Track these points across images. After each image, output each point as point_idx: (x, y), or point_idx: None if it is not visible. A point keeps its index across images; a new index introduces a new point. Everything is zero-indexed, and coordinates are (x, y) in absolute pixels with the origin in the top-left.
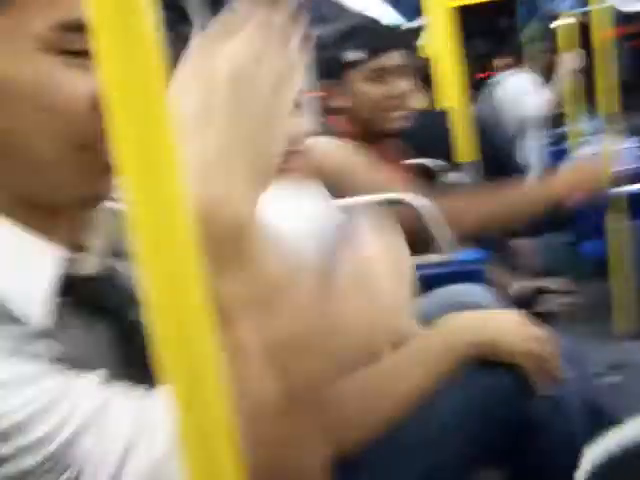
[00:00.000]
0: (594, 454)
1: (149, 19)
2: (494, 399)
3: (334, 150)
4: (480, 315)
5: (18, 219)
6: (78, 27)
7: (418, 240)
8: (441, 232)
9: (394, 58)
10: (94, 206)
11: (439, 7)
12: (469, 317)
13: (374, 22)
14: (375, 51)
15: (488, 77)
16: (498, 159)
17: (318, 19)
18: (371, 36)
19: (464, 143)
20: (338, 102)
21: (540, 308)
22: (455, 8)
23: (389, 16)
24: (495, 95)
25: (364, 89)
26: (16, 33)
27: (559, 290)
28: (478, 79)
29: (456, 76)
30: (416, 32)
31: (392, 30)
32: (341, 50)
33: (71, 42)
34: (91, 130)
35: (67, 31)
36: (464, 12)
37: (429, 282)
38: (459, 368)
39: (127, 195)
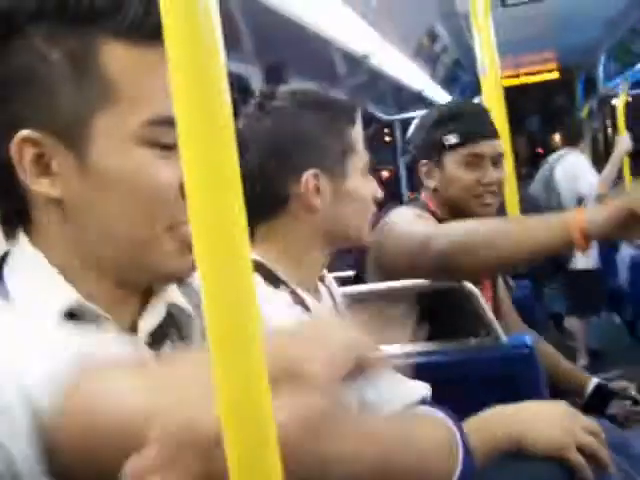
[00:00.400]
0: None
1: (226, 107)
2: None
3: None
4: (514, 408)
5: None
6: (168, 122)
7: (466, 324)
8: (490, 316)
9: (491, 146)
10: (172, 282)
11: (494, 86)
12: (499, 412)
13: (475, 108)
14: (473, 137)
15: (545, 154)
16: None
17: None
18: (470, 122)
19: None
20: (432, 182)
21: (611, 410)
22: (514, 87)
23: (440, 96)
24: (552, 173)
25: (458, 173)
26: (116, 129)
27: (630, 396)
28: (536, 156)
29: (508, 157)
30: None
31: (488, 117)
32: (441, 132)
33: (161, 136)
34: (178, 213)
35: (158, 126)
36: (522, 91)
37: (479, 365)
38: (500, 457)
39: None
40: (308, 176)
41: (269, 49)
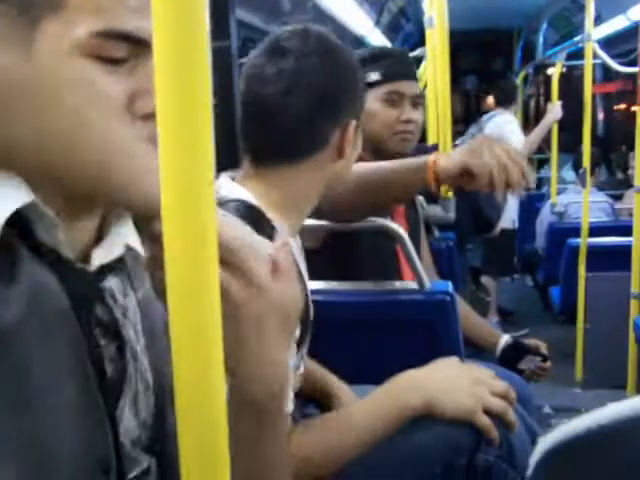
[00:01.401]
0: (547, 442)
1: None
2: (445, 446)
3: None
4: (425, 372)
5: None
6: (119, 36)
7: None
8: (416, 260)
9: (409, 86)
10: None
11: (440, 40)
12: (411, 378)
13: (397, 50)
14: (393, 75)
15: (479, 114)
16: (476, 195)
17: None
18: (390, 62)
19: None
20: None
21: (522, 365)
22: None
23: (382, 44)
24: (481, 132)
25: (378, 109)
26: (60, 37)
27: (541, 353)
28: (470, 115)
29: (445, 112)
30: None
31: (410, 60)
32: (365, 70)
33: (110, 50)
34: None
35: (108, 39)
36: (461, 49)
37: (400, 308)
38: (412, 421)
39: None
40: (351, 126)
41: None
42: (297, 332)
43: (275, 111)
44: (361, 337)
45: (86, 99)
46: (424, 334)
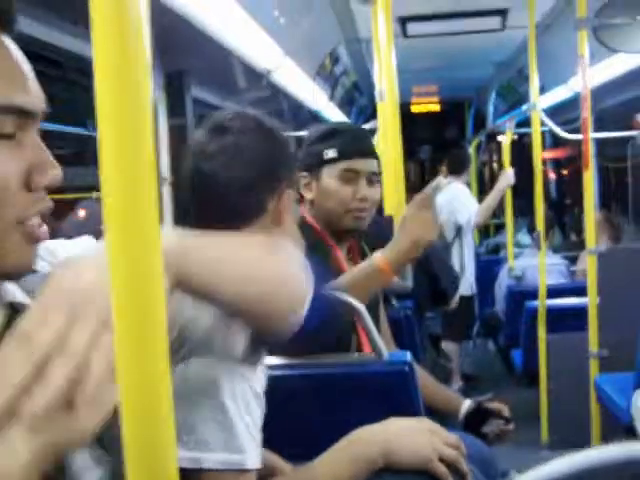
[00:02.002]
0: None
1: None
2: None
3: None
4: (381, 426)
5: None
6: (8, 110)
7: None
8: (374, 332)
9: (365, 164)
10: (13, 277)
11: (391, 113)
12: (369, 431)
13: (355, 127)
14: (349, 153)
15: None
16: (431, 263)
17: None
18: (346, 139)
19: None
20: (310, 194)
21: (486, 429)
22: (409, 115)
23: (337, 117)
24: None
25: (334, 186)
26: None
27: (503, 416)
28: (425, 183)
29: (398, 183)
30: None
31: (368, 137)
32: (322, 147)
33: (1, 125)
34: (25, 206)
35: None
36: (417, 120)
37: (359, 380)
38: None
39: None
40: (287, 194)
41: (171, 55)
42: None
43: (218, 182)
44: (320, 410)
45: None
46: (384, 405)
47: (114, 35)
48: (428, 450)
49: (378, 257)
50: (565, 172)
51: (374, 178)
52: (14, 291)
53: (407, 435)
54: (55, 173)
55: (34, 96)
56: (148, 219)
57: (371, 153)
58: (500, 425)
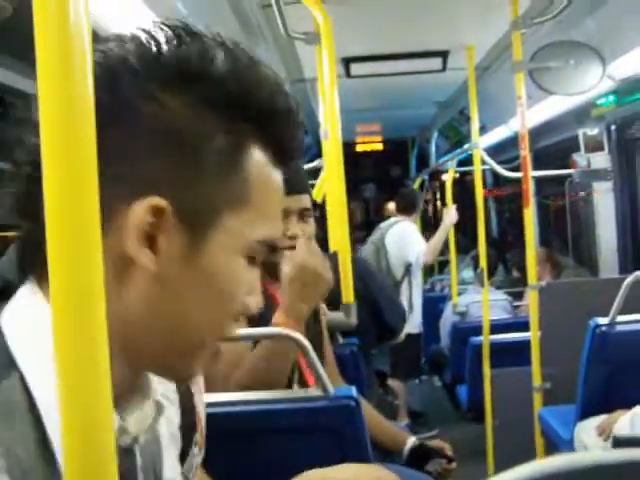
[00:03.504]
0: None
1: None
2: None
3: None
4: (328, 475)
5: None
6: (269, 245)
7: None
8: (319, 367)
9: (295, 201)
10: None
11: (334, 151)
12: (318, 475)
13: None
14: None
15: (378, 221)
16: (375, 298)
17: None
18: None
19: (346, 285)
20: None
21: (429, 467)
22: (353, 154)
23: None
24: (383, 239)
25: None
26: (236, 234)
27: (446, 455)
28: (370, 221)
29: (343, 220)
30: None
31: (299, 173)
32: None
33: (259, 254)
34: (232, 328)
35: (262, 245)
36: (360, 158)
37: (304, 415)
38: None
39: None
40: None
41: None
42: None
43: None
44: (265, 447)
45: (227, 290)
46: (330, 440)
47: (59, 71)
48: None
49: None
50: (506, 210)
51: (306, 213)
52: (157, 389)
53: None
54: (258, 300)
55: None
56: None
57: (301, 189)
58: (442, 464)
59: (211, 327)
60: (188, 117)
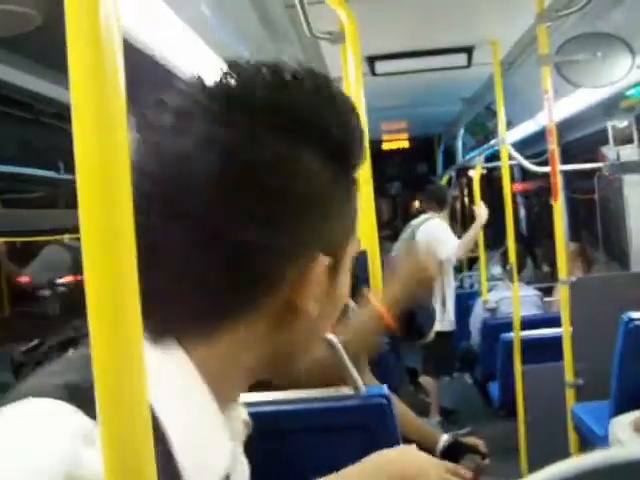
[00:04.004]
0: None
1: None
2: None
3: None
4: (394, 454)
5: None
6: None
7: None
8: (350, 366)
9: None
10: None
11: None
12: (384, 456)
13: None
14: None
15: (406, 219)
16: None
17: None
18: None
19: (375, 284)
20: None
21: (463, 464)
22: (378, 152)
23: None
24: (414, 237)
25: None
26: (351, 253)
27: (480, 451)
28: (397, 218)
29: (370, 219)
30: None
31: None
32: None
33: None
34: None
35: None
36: (387, 157)
37: (336, 415)
38: None
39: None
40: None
41: None
42: None
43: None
44: (296, 446)
45: (344, 299)
46: (362, 439)
47: (92, 79)
48: None
49: (376, 305)
50: (534, 204)
51: None
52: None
53: (419, 467)
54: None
55: None
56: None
57: None
58: (476, 460)
59: (329, 327)
60: (323, 174)
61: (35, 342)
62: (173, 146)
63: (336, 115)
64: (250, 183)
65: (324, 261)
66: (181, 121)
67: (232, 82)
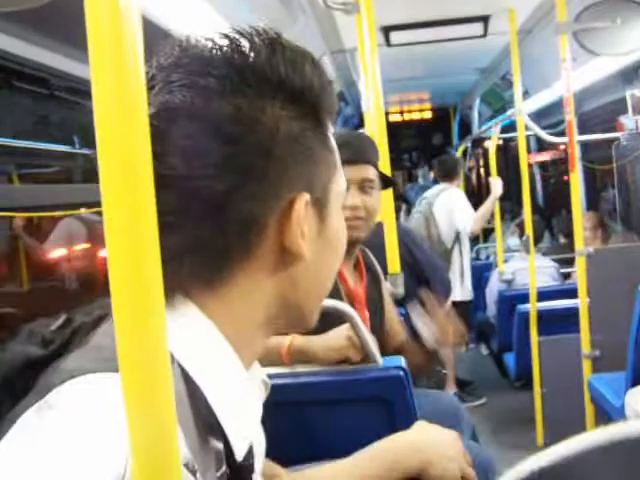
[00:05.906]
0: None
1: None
2: None
3: None
4: (413, 436)
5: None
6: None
7: None
8: (367, 339)
9: (354, 171)
10: None
11: (377, 122)
12: (403, 438)
13: (343, 136)
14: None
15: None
16: (422, 269)
17: None
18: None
19: (392, 256)
20: None
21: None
22: (394, 123)
23: None
24: (431, 208)
25: None
26: (338, 193)
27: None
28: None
29: (387, 190)
30: None
31: (359, 143)
32: None
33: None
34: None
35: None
36: (402, 128)
37: (353, 386)
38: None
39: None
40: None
41: None
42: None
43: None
44: (314, 419)
45: (341, 241)
46: (379, 410)
47: (111, 55)
48: (457, 470)
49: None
50: (551, 175)
51: (367, 185)
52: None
53: (444, 452)
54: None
55: None
56: (147, 228)
57: (362, 159)
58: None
59: (334, 273)
60: (288, 121)
61: (62, 319)
62: (151, 104)
63: (290, 65)
64: (216, 136)
65: (302, 198)
66: (162, 81)
67: (207, 47)
